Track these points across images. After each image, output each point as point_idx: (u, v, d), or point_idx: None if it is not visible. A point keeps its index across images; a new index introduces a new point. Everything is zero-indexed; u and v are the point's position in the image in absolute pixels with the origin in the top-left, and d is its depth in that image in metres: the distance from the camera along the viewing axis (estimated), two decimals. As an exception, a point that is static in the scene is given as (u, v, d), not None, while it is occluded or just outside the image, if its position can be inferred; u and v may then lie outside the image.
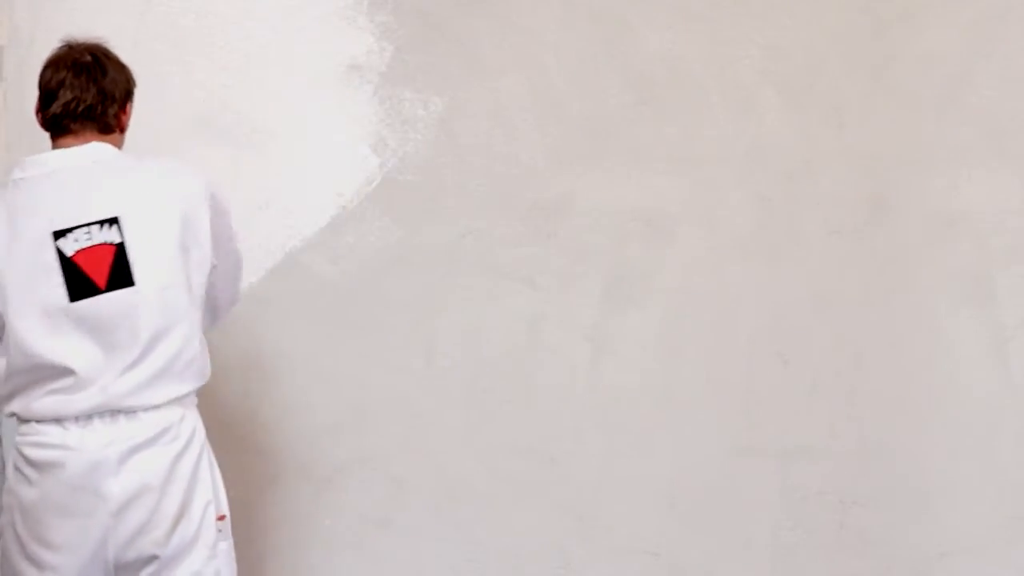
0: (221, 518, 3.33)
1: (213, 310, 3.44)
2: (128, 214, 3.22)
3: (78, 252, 3.21)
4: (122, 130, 3.37)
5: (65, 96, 3.30)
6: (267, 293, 4.06)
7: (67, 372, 3.20)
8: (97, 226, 3.22)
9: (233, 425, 4.01)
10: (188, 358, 3.28)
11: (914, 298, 4.10)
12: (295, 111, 4.10)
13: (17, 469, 3.27)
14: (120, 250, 3.22)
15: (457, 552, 4.12)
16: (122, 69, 3.38)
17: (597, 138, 4.12)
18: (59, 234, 3.21)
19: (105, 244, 3.21)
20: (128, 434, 3.22)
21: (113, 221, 3.22)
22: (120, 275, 3.22)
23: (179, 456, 3.25)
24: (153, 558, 3.23)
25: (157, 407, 3.24)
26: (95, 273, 3.21)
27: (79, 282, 3.20)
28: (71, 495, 3.20)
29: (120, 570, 3.23)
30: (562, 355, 4.13)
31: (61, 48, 3.36)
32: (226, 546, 3.35)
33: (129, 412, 3.22)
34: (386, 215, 4.12)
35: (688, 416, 4.13)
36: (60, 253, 3.20)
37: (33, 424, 3.25)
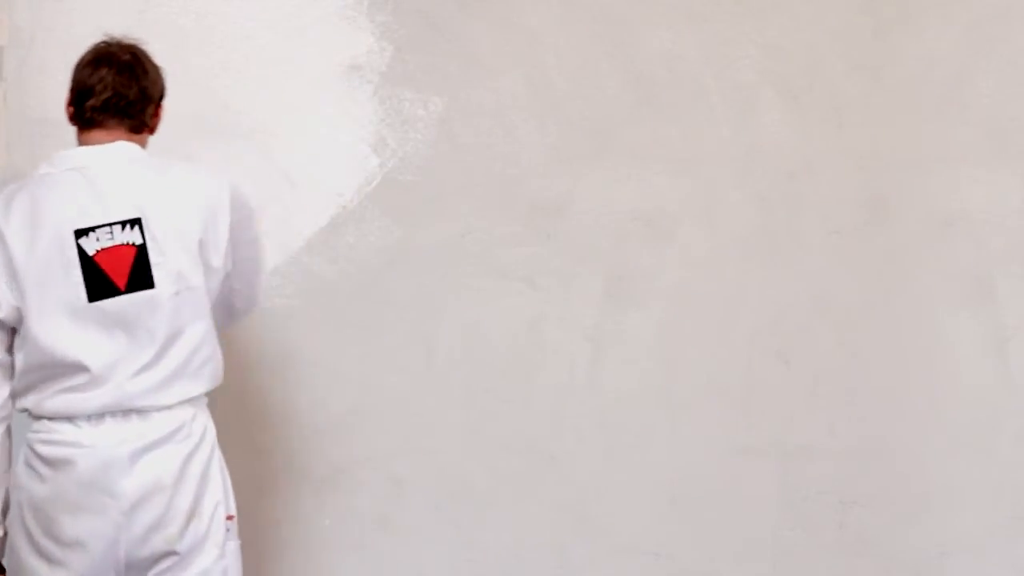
0: (230, 518, 3.35)
1: (229, 311, 3.45)
2: (150, 216, 3.24)
3: (99, 252, 3.22)
4: (152, 131, 3.40)
5: (106, 92, 3.31)
6: (267, 293, 4.06)
7: (82, 369, 3.20)
8: (119, 226, 3.23)
9: (233, 425, 4.00)
10: (202, 360, 3.29)
11: (914, 298, 4.10)
12: (295, 111, 4.11)
13: (28, 465, 3.27)
14: (141, 251, 3.23)
15: (457, 552, 4.12)
16: (158, 71, 3.41)
17: (597, 138, 4.12)
18: (81, 232, 3.22)
19: (126, 245, 3.23)
20: (140, 432, 3.23)
21: (135, 222, 3.23)
22: (140, 277, 3.23)
23: (191, 455, 3.26)
24: (164, 556, 3.24)
25: (169, 407, 3.25)
26: (115, 274, 3.22)
27: (99, 282, 3.21)
28: (83, 493, 3.20)
29: (131, 568, 3.24)
30: (562, 355, 4.13)
31: (100, 45, 3.37)
32: (234, 546, 3.37)
33: (141, 412, 3.23)
34: (386, 215, 4.12)
35: (688, 416, 4.13)
36: (81, 252, 3.21)
37: (45, 421, 3.25)
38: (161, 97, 3.40)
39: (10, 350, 3.28)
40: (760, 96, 4.12)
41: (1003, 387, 4.09)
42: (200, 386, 3.30)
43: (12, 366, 3.27)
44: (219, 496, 3.30)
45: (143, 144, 3.36)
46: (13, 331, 3.27)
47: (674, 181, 4.12)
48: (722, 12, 4.12)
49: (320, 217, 4.11)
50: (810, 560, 4.11)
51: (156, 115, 3.39)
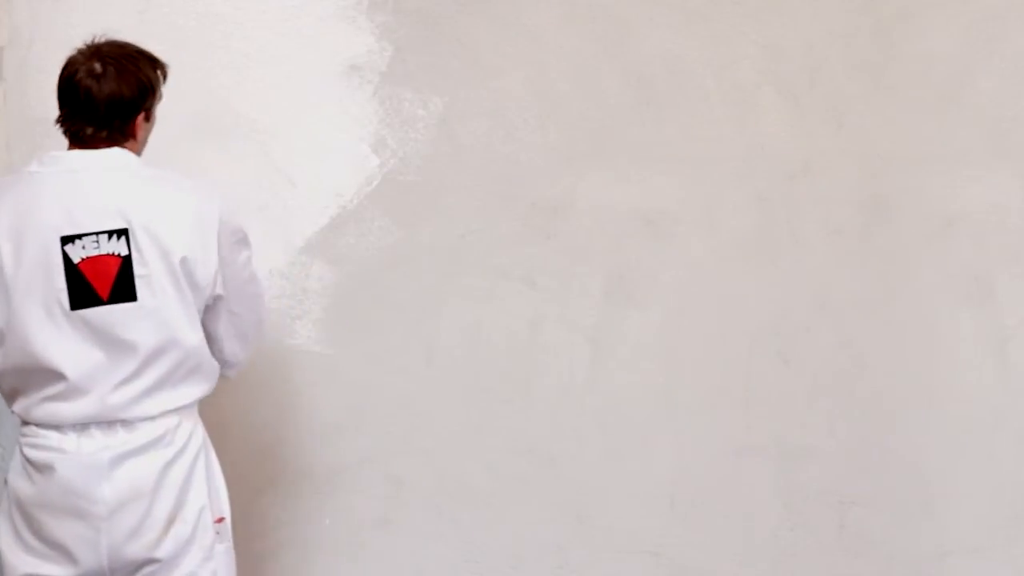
0: (219, 520, 3.34)
1: (242, 339, 3.42)
2: (136, 227, 3.22)
3: (84, 260, 3.21)
4: (136, 138, 3.34)
5: (74, 107, 3.29)
6: (267, 293, 4.06)
7: (60, 377, 3.20)
8: (106, 236, 3.21)
9: (233, 426, 4.01)
10: (187, 371, 3.28)
11: (914, 298, 4.10)
12: (295, 111, 4.10)
13: (21, 465, 3.28)
14: (126, 263, 3.21)
15: (457, 552, 4.12)
16: (135, 77, 3.31)
17: (597, 138, 4.12)
18: (67, 239, 3.20)
19: (112, 255, 3.21)
20: (123, 441, 3.23)
21: (122, 233, 3.21)
22: (123, 288, 3.21)
23: (171, 462, 3.26)
24: (147, 562, 3.24)
25: (153, 418, 3.25)
26: (99, 283, 3.21)
27: (82, 290, 3.20)
28: (64, 497, 3.21)
29: (116, 573, 3.24)
30: (562, 355, 4.13)
31: (82, 48, 3.33)
32: (223, 548, 3.36)
33: (126, 422, 3.23)
34: (386, 215, 4.12)
35: (688, 416, 4.13)
36: (66, 258, 3.20)
37: (33, 427, 3.26)
38: (145, 103, 3.32)
39: None
40: (760, 96, 4.12)
41: (1003, 387, 4.09)
42: (185, 397, 3.29)
43: None
44: (204, 500, 3.29)
45: (136, 151, 3.33)
46: None
47: (674, 181, 4.12)
48: (722, 12, 4.12)
49: (320, 217, 4.11)
50: (810, 560, 4.12)
51: (142, 121, 3.32)
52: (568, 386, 4.12)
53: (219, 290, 3.31)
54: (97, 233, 3.20)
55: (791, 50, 4.12)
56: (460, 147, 4.13)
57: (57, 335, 3.20)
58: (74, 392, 3.20)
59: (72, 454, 3.21)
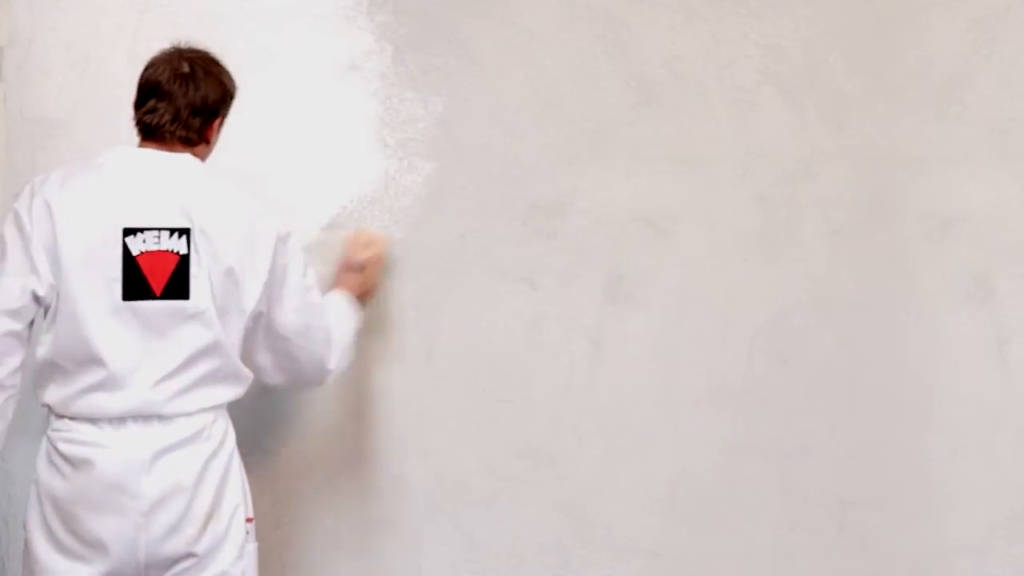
0: (249, 520, 3.36)
1: (295, 370, 3.50)
2: (197, 229, 3.26)
3: (143, 253, 3.25)
4: (209, 142, 3.44)
5: (156, 103, 3.34)
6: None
7: (100, 364, 3.22)
8: (168, 232, 3.26)
9: (233, 426, 4.00)
10: (226, 373, 3.31)
11: (914, 298, 4.10)
12: (295, 111, 4.11)
13: (50, 461, 3.29)
14: (183, 261, 3.25)
15: (457, 552, 4.12)
16: (219, 81, 3.45)
17: (597, 138, 4.12)
18: (129, 231, 3.24)
19: (171, 252, 3.25)
20: (161, 435, 3.24)
21: (184, 232, 3.25)
22: (177, 286, 3.25)
23: (211, 458, 3.28)
24: (183, 557, 3.25)
25: (190, 414, 3.27)
26: (154, 278, 3.25)
27: (136, 283, 3.24)
28: (103, 493, 3.22)
29: (151, 568, 3.25)
30: (562, 355, 4.12)
31: (163, 52, 3.42)
32: (252, 548, 3.38)
33: (163, 417, 3.24)
34: (386, 215, 4.12)
35: (688, 416, 4.12)
36: (126, 250, 3.23)
37: (67, 420, 3.26)
38: (224, 109, 3.45)
39: (30, 326, 3.29)
40: (760, 96, 4.12)
41: (1003, 387, 4.08)
42: (221, 396, 3.33)
43: (27, 340, 3.28)
44: (238, 498, 3.32)
45: (202, 156, 3.42)
46: (42, 311, 3.28)
47: (674, 181, 4.12)
48: (722, 12, 4.12)
49: (320, 217, 4.11)
50: (810, 560, 4.11)
51: (213, 127, 3.44)
52: (568, 386, 4.12)
53: (262, 306, 3.35)
54: (160, 229, 3.25)
55: (791, 50, 4.12)
56: (460, 147, 4.13)
57: (105, 324, 3.23)
58: (114, 383, 3.22)
59: (111, 448, 3.22)
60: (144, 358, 3.24)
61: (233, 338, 3.33)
